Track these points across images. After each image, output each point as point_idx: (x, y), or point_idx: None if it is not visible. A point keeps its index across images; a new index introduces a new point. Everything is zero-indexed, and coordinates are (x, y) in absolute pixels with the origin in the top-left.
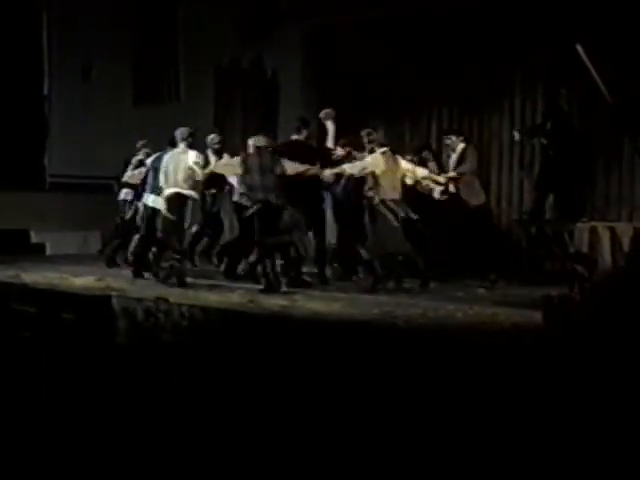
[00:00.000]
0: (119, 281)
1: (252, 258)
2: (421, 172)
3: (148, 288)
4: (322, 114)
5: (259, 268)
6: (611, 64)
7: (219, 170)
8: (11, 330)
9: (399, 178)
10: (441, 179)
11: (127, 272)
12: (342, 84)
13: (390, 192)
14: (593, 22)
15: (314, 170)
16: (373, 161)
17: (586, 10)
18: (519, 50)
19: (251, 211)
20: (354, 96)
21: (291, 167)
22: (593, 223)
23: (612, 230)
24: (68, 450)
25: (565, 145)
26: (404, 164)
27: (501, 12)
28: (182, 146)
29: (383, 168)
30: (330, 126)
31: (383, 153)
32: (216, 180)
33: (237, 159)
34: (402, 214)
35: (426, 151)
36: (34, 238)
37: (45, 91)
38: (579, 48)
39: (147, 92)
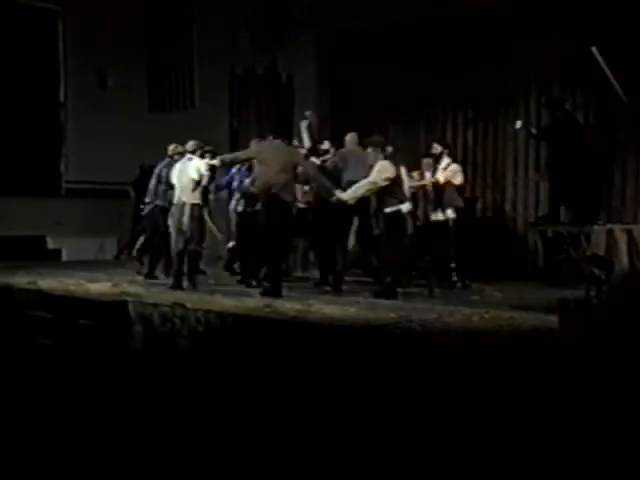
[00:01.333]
0: (135, 287)
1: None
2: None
3: (164, 293)
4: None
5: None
6: (626, 65)
7: None
8: (29, 336)
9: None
10: None
11: (140, 277)
12: (356, 88)
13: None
14: (607, 25)
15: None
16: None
17: (600, 13)
18: (534, 53)
19: None
20: (368, 100)
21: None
22: (610, 225)
23: (629, 233)
24: (83, 453)
25: (575, 148)
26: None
27: (516, 15)
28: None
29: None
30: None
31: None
32: None
33: None
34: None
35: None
36: (50, 244)
37: (61, 98)
38: (594, 50)
39: (162, 99)
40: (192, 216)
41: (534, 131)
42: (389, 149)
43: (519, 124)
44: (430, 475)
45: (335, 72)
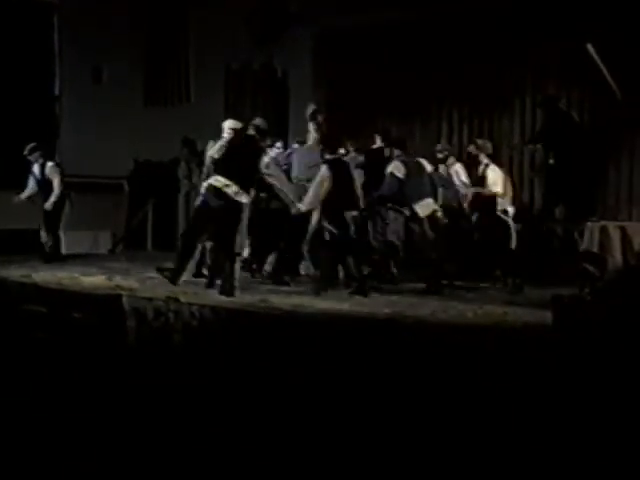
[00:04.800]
0: (129, 280)
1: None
2: None
3: (158, 287)
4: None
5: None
6: (621, 63)
7: None
8: (23, 330)
9: None
10: None
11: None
12: (352, 85)
13: None
14: (603, 22)
15: None
16: None
17: (596, 10)
18: (530, 50)
19: None
20: (364, 97)
21: None
22: (604, 222)
23: (623, 229)
24: (76, 450)
25: (570, 146)
26: None
27: (512, 13)
28: None
29: None
30: None
31: None
32: None
33: None
34: None
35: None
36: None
37: (56, 92)
38: (590, 48)
39: (157, 93)
40: None
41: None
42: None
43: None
44: (427, 472)
45: (331, 69)
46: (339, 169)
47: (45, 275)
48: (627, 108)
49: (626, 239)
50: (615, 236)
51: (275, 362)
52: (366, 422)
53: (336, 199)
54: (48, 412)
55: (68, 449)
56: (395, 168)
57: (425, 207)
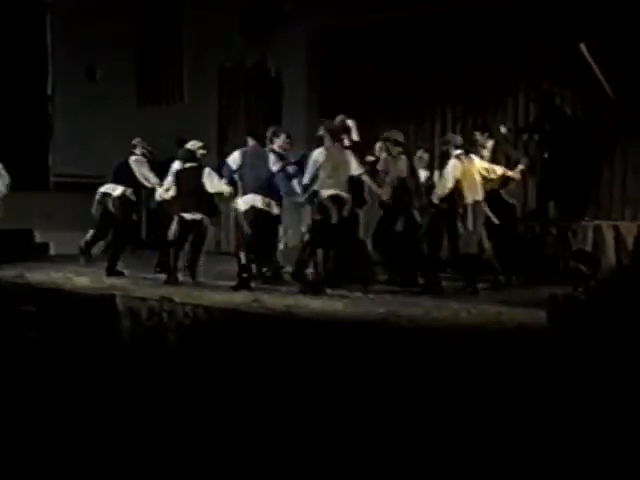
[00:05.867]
0: (122, 280)
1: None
2: None
3: (152, 287)
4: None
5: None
6: (614, 62)
7: None
8: (17, 331)
9: None
10: None
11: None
12: (346, 85)
13: None
14: (596, 21)
15: None
16: None
17: (589, 10)
18: (523, 50)
19: None
20: (358, 96)
21: None
22: (597, 222)
23: (616, 229)
24: (71, 450)
25: (564, 145)
26: None
27: (505, 12)
28: None
29: None
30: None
31: None
32: None
33: None
34: None
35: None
36: (38, 238)
37: (49, 91)
38: (582, 47)
39: (151, 92)
40: None
41: (504, 130)
42: None
43: (504, 129)
44: (423, 471)
45: (325, 68)
46: (186, 175)
47: (39, 275)
48: (620, 108)
49: (620, 238)
50: (609, 236)
51: (269, 362)
52: (361, 422)
53: (178, 202)
54: (42, 412)
55: (62, 448)
56: (231, 158)
57: (244, 202)
